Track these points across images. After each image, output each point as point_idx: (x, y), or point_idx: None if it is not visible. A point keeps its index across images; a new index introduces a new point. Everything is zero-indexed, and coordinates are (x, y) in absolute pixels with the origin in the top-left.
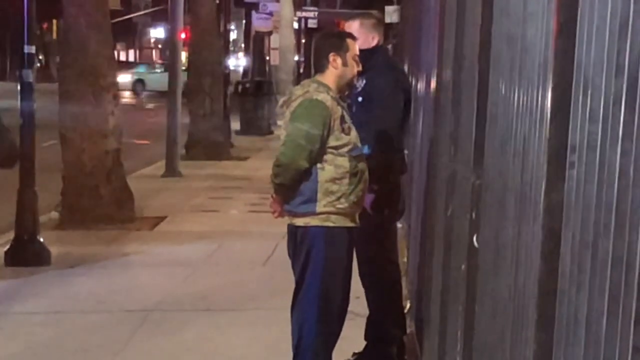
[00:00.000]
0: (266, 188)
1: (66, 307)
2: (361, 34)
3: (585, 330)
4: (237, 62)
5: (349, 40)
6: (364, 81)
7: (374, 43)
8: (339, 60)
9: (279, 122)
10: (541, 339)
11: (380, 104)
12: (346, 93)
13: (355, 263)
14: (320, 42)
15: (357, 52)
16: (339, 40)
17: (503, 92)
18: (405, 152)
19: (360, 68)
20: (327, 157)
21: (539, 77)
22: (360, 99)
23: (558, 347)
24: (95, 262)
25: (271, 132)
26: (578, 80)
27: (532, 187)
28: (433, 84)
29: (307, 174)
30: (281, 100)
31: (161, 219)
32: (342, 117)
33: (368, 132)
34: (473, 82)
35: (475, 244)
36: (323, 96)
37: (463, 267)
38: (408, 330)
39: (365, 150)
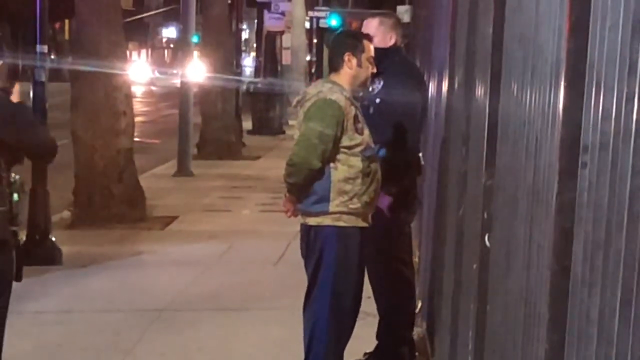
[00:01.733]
0: (278, 188)
1: (77, 306)
2: (379, 32)
3: (597, 330)
4: (249, 61)
5: (365, 42)
6: (381, 82)
7: (391, 43)
8: (354, 61)
9: (291, 122)
10: (553, 338)
11: (398, 105)
12: (360, 94)
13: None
14: (337, 42)
15: (373, 54)
16: (355, 40)
17: (515, 91)
18: (420, 154)
19: (375, 70)
20: (340, 157)
21: (551, 76)
22: (377, 100)
23: (570, 347)
24: (107, 261)
25: (283, 132)
26: (590, 79)
27: (544, 187)
28: (445, 84)
29: (320, 173)
30: (295, 100)
31: (173, 218)
32: (356, 117)
33: (385, 134)
34: (485, 82)
35: (487, 243)
36: (337, 96)
37: (475, 266)
38: (419, 330)
39: (383, 152)
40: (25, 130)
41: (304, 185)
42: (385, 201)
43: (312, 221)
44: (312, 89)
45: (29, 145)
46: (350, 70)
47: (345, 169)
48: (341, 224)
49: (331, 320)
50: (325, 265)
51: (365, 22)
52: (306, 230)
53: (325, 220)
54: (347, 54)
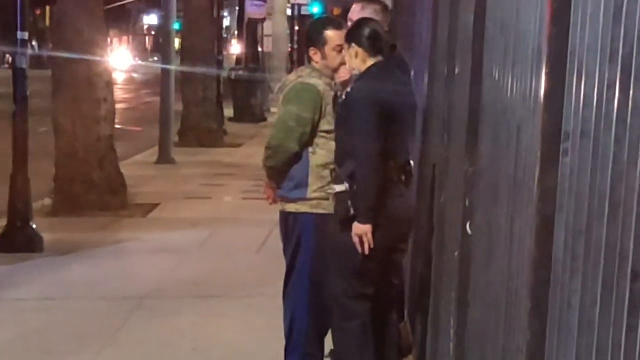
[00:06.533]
0: (260, 175)
1: (58, 293)
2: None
3: (579, 317)
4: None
5: (326, 32)
6: None
7: None
8: (318, 55)
9: (273, 109)
10: (535, 326)
11: None
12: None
13: None
14: (305, 35)
15: (340, 42)
16: (316, 34)
17: (497, 78)
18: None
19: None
20: (320, 141)
21: (532, 63)
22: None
23: (551, 334)
24: (88, 249)
25: (265, 119)
26: (572, 66)
27: (526, 174)
28: (426, 71)
29: (298, 157)
30: (277, 87)
31: (154, 206)
32: (335, 102)
33: None
34: (467, 69)
35: (469, 231)
36: (315, 81)
37: (456, 254)
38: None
39: None
40: None
41: (282, 169)
42: None
43: (291, 208)
44: (293, 75)
45: None
46: (317, 63)
47: (324, 154)
48: (320, 211)
49: (310, 308)
50: (303, 254)
51: (352, 8)
52: (284, 217)
53: (303, 207)
54: (311, 49)
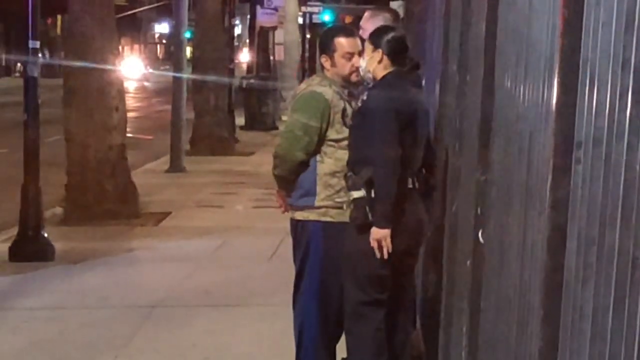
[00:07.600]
0: (271, 183)
1: (70, 302)
2: (368, 25)
3: (591, 325)
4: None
5: (337, 40)
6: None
7: None
8: (328, 62)
9: (284, 118)
10: (547, 334)
11: None
12: (359, 87)
13: None
14: (318, 42)
15: (350, 49)
16: (327, 41)
17: (508, 87)
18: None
19: (358, 63)
20: (328, 150)
21: (544, 72)
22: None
23: (564, 342)
24: (100, 257)
25: (276, 128)
26: (584, 75)
27: (538, 183)
28: (438, 80)
29: (305, 166)
30: (289, 96)
31: (166, 214)
32: (344, 111)
33: None
34: (478, 78)
35: (481, 239)
36: (323, 89)
37: (468, 262)
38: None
39: None
40: None
41: (289, 178)
42: None
43: (299, 215)
44: (304, 84)
45: None
46: (328, 71)
47: (331, 162)
48: (327, 219)
49: (319, 315)
50: (311, 262)
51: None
52: (293, 224)
53: (312, 215)
54: (322, 56)
